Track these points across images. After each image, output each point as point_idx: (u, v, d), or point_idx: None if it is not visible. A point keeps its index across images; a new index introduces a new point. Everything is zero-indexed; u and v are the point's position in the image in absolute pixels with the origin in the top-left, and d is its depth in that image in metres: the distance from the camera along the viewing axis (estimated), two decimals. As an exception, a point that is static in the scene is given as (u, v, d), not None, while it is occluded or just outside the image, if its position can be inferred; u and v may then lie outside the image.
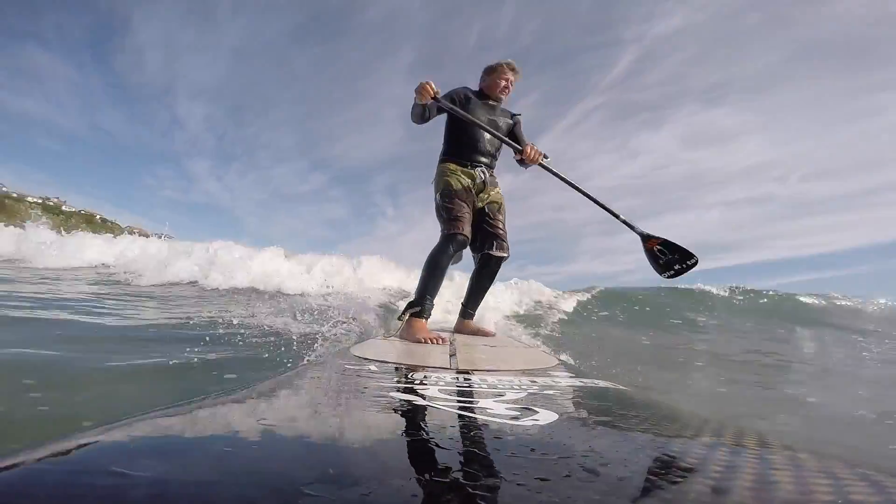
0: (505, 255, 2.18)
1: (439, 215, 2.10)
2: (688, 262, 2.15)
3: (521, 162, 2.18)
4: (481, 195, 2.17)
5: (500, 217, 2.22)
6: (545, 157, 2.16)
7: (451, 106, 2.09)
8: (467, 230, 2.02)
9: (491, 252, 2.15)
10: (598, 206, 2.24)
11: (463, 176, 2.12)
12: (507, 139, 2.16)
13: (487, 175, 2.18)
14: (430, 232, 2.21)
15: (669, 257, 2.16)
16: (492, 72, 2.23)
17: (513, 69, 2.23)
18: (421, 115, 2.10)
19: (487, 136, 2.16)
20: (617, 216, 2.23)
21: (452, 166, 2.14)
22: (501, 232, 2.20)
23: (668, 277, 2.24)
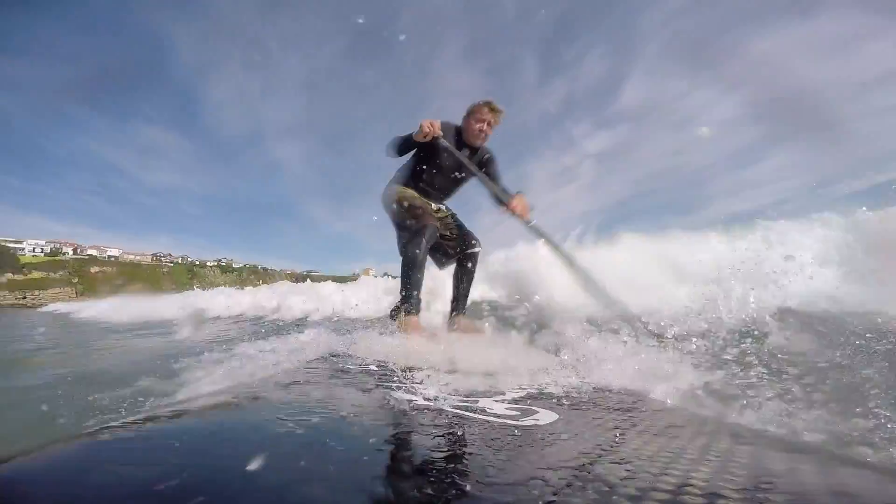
0: (478, 249, 2.19)
1: (402, 221, 2.01)
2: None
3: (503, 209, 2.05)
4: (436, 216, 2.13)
5: (457, 221, 2.22)
6: (528, 221, 1.96)
7: (451, 147, 1.96)
8: (435, 222, 1.98)
9: (467, 251, 2.16)
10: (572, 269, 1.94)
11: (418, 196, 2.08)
12: (497, 188, 2.02)
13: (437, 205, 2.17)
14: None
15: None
16: (469, 114, 2.05)
17: (492, 109, 2.03)
18: (404, 149, 2.03)
19: (448, 178, 2.09)
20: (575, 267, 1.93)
21: (406, 188, 2.09)
22: (465, 231, 2.20)
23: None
